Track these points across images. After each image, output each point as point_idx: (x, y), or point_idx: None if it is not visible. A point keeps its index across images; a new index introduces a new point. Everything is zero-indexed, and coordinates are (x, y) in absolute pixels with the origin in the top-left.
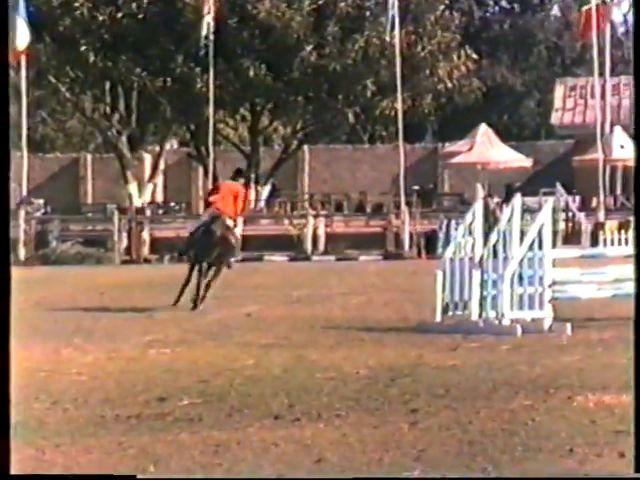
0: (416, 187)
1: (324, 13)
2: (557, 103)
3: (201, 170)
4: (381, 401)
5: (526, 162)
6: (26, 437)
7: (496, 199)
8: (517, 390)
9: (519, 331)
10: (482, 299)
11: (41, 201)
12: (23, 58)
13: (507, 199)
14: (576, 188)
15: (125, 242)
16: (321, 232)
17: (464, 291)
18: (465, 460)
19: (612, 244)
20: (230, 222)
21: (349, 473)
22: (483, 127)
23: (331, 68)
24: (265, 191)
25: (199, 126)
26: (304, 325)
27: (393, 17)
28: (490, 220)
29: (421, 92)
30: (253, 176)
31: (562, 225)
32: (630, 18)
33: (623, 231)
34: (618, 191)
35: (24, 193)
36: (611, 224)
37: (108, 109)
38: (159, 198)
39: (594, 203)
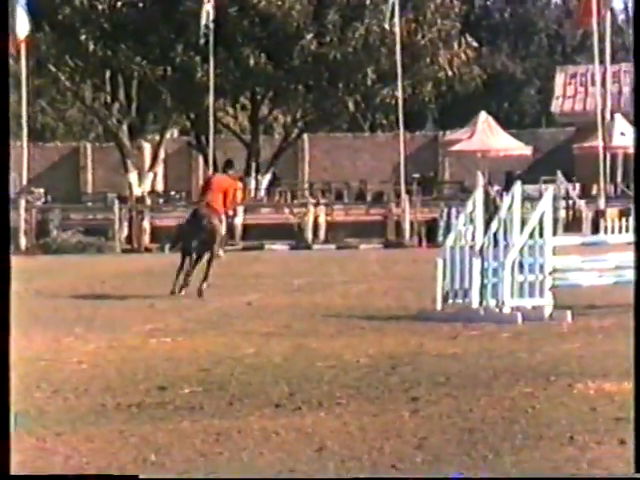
0: (416, 175)
1: (324, 1)
2: (557, 91)
3: (201, 159)
4: (382, 389)
5: (526, 150)
6: (27, 426)
7: (496, 187)
8: (517, 378)
9: (519, 319)
10: (483, 287)
11: (41, 190)
12: (23, 47)
13: (507, 187)
14: (576, 176)
15: (126, 231)
16: (322, 221)
17: (464, 279)
18: (466, 448)
19: (613, 231)
20: (216, 217)
21: (350, 462)
22: (483, 115)
23: (331, 56)
24: (265, 180)
25: (199, 115)
26: (305, 314)
27: (393, 5)
28: (491, 208)
29: (421, 80)
30: (253, 165)
31: (563, 213)
32: (630, 5)
33: (624, 218)
34: (619, 179)
35: (24, 182)
36: (612, 211)
37: (108, 98)
38: (159, 187)
39: (594, 191)
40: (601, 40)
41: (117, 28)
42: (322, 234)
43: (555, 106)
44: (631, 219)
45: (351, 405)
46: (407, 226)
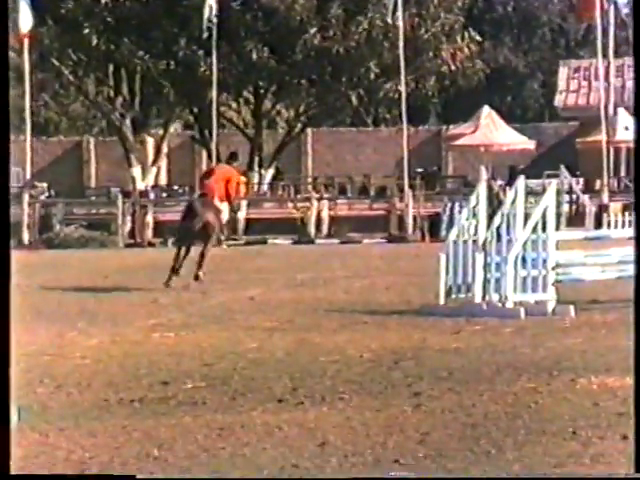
0: (420, 170)
1: None
2: (561, 85)
3: (204, 153)
4: (384, 384)
5: (530, 144)
6: (30, 421)
7: (500, 181)
8: (520, 373)
9: (522, 314)
10: (485, 282)
11: (45, 185)
12: (26, 41)
13: (511, 181)
14: (580, 170)
15: (129, 225)
16: (325, 215)
17: (467, 274)
18: (468, 443)
19: (616, 226)
20: (219, 204)
21: (352, 457)
22: (486, 109)
23: (334, 50)
24: (268, 174)
25: (202, 109)
26: (307, 308)
27: None
28: (494, 203)
29: (424, 74)
30: (257, 159)
31: (566, 207)
32: None
33: (627, 213)
34: (622, 173)
35: (28, 177)
36: (615, 206)
37: (111, 92)
38: (163, 181)
39: (598, 185)
40: (604, 34)
41: (120, 22)
42: (325, 229)
43: (558, 100)
44: (634, 213)
45: (354, 400)
46: (410, 221)
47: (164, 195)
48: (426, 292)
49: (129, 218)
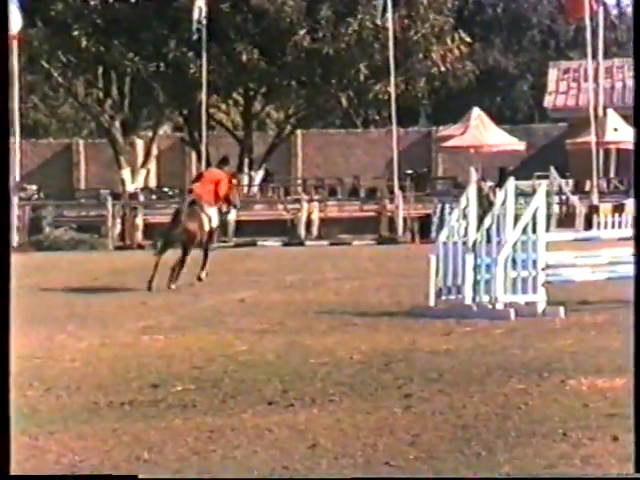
0: (410, 171)
1: None
2: (550, 86)
3: (194, 155)
4: (375, 386)
5: (519, 145)
6: (19, 424)
7: (490, 183)
8: (510, 374)
9: (512, 315)
10: (476, 283)
11: (34, 187)
12: (15, 43)
13: (501, 183)
14: (570, 171)
15: (119, 228)
16: (315, 217)
17: (458, 275)
18: (459, 445)
19: (606, 227)
20: (208, 209)
21: (343, 459)
22: (476, 111)
23: (324, 52)
24: (258, 176)
25: (192, 111)
26: (297, 310)
27: (386, 0)
28: (484, 204)
29: (414, 76)
30: (246, 161)
31: (556, 208)
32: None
33: (617, 214)
34: (612, 174)
35: (17, 179)
36: (605, 207)
37: (101, 94)
38: (152, 183)
39: (588, 186)
40: (594, 35)
41: (110, 24)
42: (315, 230)
43: (548, 101)
44: (624, 215)
45: (344, 402)
46: (400, 222)
47: (154, 197)
48: (416, 294)
49: (119, 220)
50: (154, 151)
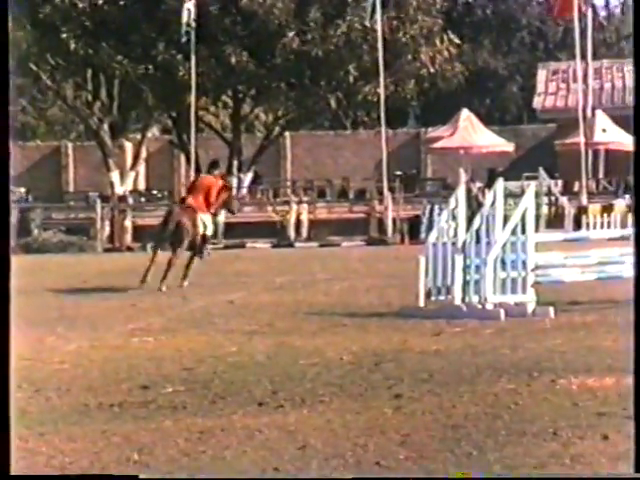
0: (399, 172)
1: None
2: (539, 87)
3: (183, 158)
4: (365, 386)
5: (508, 146)
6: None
7: (479, 184)
8: (500, 374)
9: (502, 315)
10: (465, 284)
11: (23, 190)
12: None
13: (490, 184)
14: (559, 172)
15: (107, 230)
16: (304, 218)
17: (447, 276)
18: (449, 444)
19: (595, 227)
20: (203, 216)
21: (333, 459)
22: (465, 112)
23: (313, 54)
24: (247, 178)
25: (181, 113)
26: (287, 312)
27: (375, 2)
28: (473, 205)
29: (403, 77)
30: (235, 163)
31: (545, 209)
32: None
33: (606, 214)
34: (600, 175)
35: None
36: (594, 208)
37: (90, 97)
38: (141, 186)
39: (576, 187)
40: (582, 37)
41: (98, 26)
42: (304, 232)
43: (537, 103)
44: (613, 215)
45: (334, 402)
46: (390, 223)
47: (143, 200)
48: (406, 294)
49: (108, 223)
50: (143, 154)
